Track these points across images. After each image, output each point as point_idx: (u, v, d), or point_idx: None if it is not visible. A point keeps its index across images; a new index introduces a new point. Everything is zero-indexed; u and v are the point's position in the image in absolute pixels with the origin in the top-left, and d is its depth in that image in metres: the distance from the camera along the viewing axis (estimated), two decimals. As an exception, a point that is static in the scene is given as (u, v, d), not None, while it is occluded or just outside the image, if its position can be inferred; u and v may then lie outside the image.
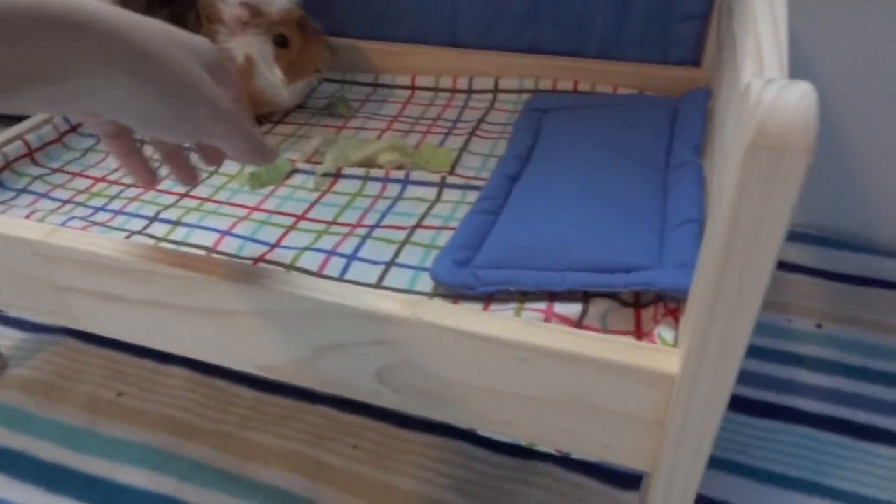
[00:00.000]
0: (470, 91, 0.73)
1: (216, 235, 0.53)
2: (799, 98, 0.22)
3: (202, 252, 0.51)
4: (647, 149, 0.56)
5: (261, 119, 0.70)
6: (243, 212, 0.56)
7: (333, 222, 0.55)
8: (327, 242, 0.52)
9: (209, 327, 0.46)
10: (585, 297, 0.44)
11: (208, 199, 0.59)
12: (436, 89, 0.74)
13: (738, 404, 0.57)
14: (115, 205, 0.59)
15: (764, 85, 0.23)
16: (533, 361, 0.37)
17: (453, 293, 0.46)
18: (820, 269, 0.69)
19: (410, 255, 0.50)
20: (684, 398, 0.33)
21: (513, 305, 0.44)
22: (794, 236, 0.73)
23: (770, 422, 0.55)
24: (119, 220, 0.56)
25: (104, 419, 0.59)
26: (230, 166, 0.62)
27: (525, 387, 0.38)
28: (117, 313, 0.48)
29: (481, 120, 0.68)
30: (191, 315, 0.45)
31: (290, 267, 0.49)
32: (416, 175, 0.59)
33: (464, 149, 0.63)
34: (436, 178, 0.58)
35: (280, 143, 0.67)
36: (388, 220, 0.54)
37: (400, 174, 0.59)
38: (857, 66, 0.64)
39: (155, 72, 0.31)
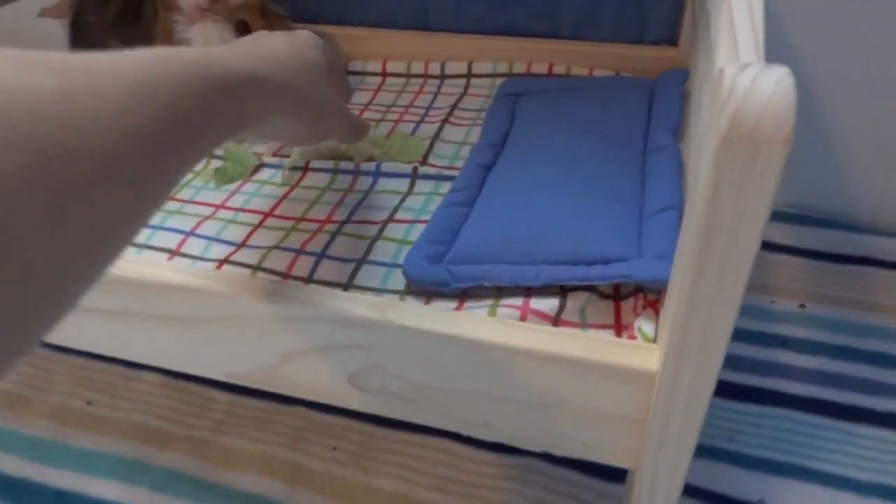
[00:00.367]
0: (442, 76, 0.71)
1: (180, 237, 0.51)
2: (775, 84, 0.20)
3: (165, 255, 0.49)
4: (625, 133, 0.54)
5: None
6: (208, 210, 0.54)
7: (302, 218, 0.53)
8: (296, 240, 0.50)
9: (175, 336, 0.44)
10: (563, 290, 0.42)
11: (171, 198, 0.56)
12: (407, 75, 0.72)
13: (722, 389, 0.56)
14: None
15: (738, 71, 0.21)
16: (509, 362, 0.36)
17: (426, 290, 0.44)
18: (803, 248, 0.68)
19: (382, 252, 0.48)
20: (665, 396, 0.32)
21: (488, 302, 0.42)
22: (775, 215, 0.72)
23: (755, 406, 0.55)
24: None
25: (73, 430, 0.57)
26: (194, 163, 0.60)
27: (502, 388, 0.37)
28: (82, 323, 0.46)
29: (454, 106, 0.65)
30: (156, 323, 0.44)
31: (257, 268, 0.47)
32: (387, 166, 0.57)
33: (437, 137, 0.61)
34: (408, 168, 0.56)
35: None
36: (358, 215, 0.52)
37: (371, 166, 0.57)
38: (835, 43, 0.62)
39: (306, 108, 0.37)
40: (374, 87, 0.71)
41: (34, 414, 0.59)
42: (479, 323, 0.36)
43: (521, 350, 0.35)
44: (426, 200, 0.53)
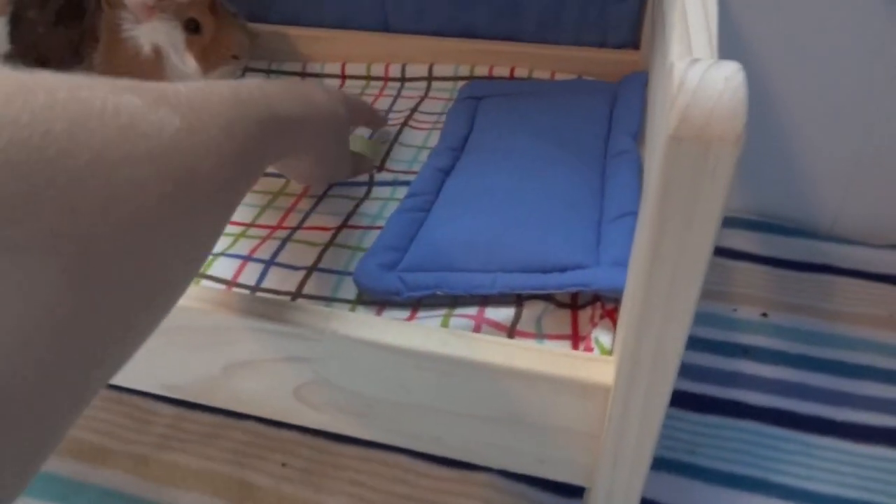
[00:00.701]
0: (403, 79, 0.69)
1: (119, 243, 0.48)
2: (725, 80, 0.19)
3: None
4: (586, 137, 0.53)
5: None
6: (152, 215, 0.51)
7: (252, 224, 0.50)
8: (244, 247, 0.48)
9: (108, 346, 0.41)
10: (519, 299, 0.41)
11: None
12: (367, 77, 0.70)
13: (684, 400, 0.55)
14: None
15: (687, 66, 0.20)
16: (459, 375, 0.34)
17: (378, 299, 0.42)
18: (764, 255, 0.68)
19: (334, 259, 0.46)
20: (619, 410, 0.31)
21: (442, 311, 0.40)
22: (737, 222, 0.71)
23: (716, 417, 0.54)
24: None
25: (6, 447, 0.54)
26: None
27: (453, 402, 0.35)
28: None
29: (415, 109, 0.64)
30: (86, 334, 0.41)
31: (201, 276, 0.45)
32: (342, 171, 0.55)
33: (395, 141, 0.59)
34: (363, 174, 0.55)
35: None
36: (310, 221, 0.50)
37: (325, 170, 0.55)
38: (796, 51, 0.62)
39: (329, 156, 0.44)
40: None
41: (-37, 431, 0.55)
42: (428, 334, 0.35)
43: (472, 363, 0.33)
44: (382, 206, 0.51)
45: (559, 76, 0.64)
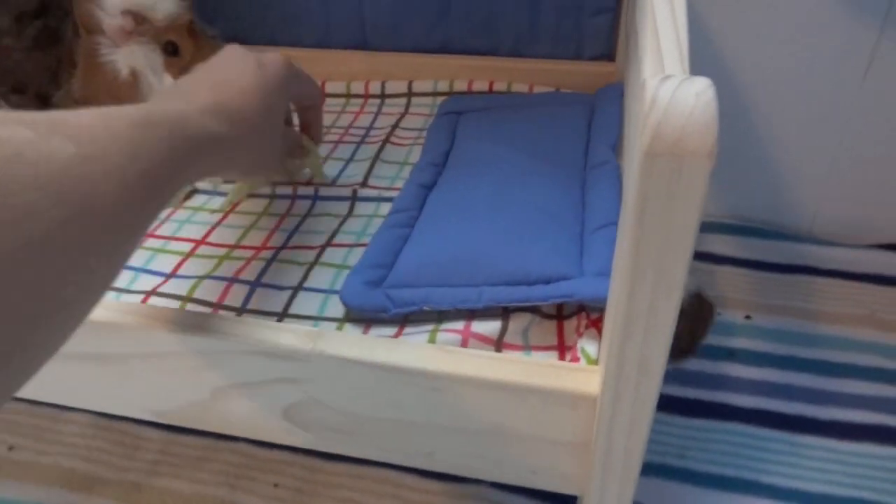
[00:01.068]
0: (383, 96, 0.69)
1: (103, 269, 0.48)
2: (695, 96, 0.20)
3: (87, 289, 0.46)
4: (566, 149, 0.54)
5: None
6: (135, 240, 0.51)
7: (236, 246, 0.50)
8: (228, 269, 0.48)
9: (97, 374, 0.41)
10: (505, 312, 0.41)
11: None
12: (347, 95, 0.70)
13: (672, 404, 0.55)
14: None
15: (659, 83, 0.21)
16: (448, 390, 0.34)
17: (365, 317, 0.42)
18: (746, 258, 0.69)
19: (320, 278, 0.46)
20: (607, 419, 0.31)
21: (429, 327, 0.41)
22: (717, 227, 0.73)
23: (704, 420, 0.54)
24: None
25: (-7, 479, 0.53)
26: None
27: (443, 417, 0.36)
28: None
29: (395, 126, 0.64)
30: (76, 362, 0.41)
31: (187, 299, 0.45)
32: (325, 190, 0.55)
33: (377, 158, 0.59)
34: (347, 191, 0.55)
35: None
36: (295, 240, 0.50)
37: (309, 189, 0.55)
38: (767, 56, 0.63)
39: (256, 160, 0.41)
40: (314, 108, 0.69)
41: (-52, 464, 0.55)
42: (415, 350, 0.35)
43: (460, 377, 0.33)
44: (366, 223, 0.52)
45: (537, 89, 0.65)
